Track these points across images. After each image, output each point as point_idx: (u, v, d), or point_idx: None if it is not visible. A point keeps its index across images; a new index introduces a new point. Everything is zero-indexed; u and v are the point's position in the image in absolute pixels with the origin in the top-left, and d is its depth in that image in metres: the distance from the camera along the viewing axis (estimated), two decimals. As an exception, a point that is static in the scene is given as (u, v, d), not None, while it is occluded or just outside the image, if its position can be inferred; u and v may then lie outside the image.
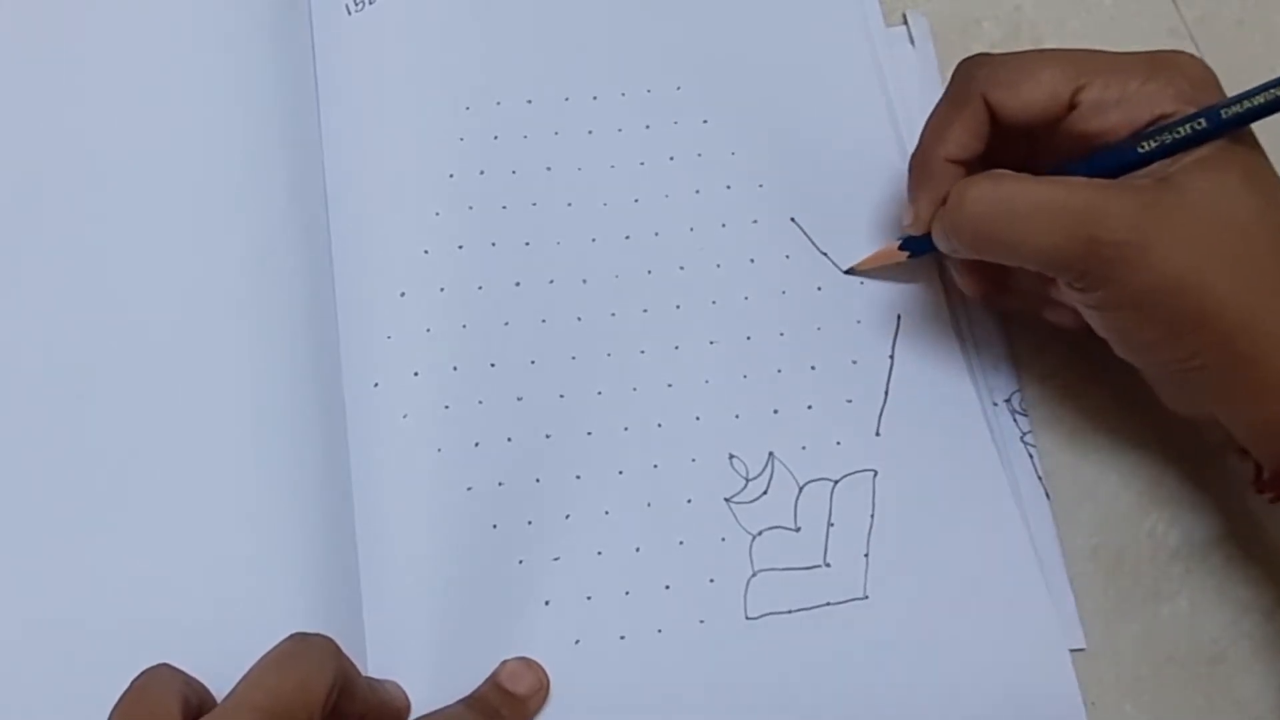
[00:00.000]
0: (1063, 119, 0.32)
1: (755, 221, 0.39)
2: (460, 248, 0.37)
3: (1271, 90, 0.30)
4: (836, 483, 0.36)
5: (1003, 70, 0.32)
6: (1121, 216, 0.30)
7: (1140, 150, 0.31)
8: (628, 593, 0.34)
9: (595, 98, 0.40)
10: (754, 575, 0.35)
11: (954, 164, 0.33)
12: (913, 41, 0.42)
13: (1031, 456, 0.37)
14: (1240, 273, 0.30)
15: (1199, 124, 0.30)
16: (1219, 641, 0.35)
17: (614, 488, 0.35)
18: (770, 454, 0.36)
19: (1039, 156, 0.33)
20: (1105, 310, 0.32)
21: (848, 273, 0.38)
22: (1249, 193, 0.30)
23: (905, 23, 0.42)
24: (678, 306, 0.37)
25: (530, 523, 0.35)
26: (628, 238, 0.38)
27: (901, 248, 0.36)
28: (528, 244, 0.37)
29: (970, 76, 0.33)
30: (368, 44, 0.40)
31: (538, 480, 0.35)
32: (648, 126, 0.40)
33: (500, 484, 0.35)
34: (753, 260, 0.38)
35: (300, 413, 0.35)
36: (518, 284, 0.37)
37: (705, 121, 0.40)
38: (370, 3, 0.40)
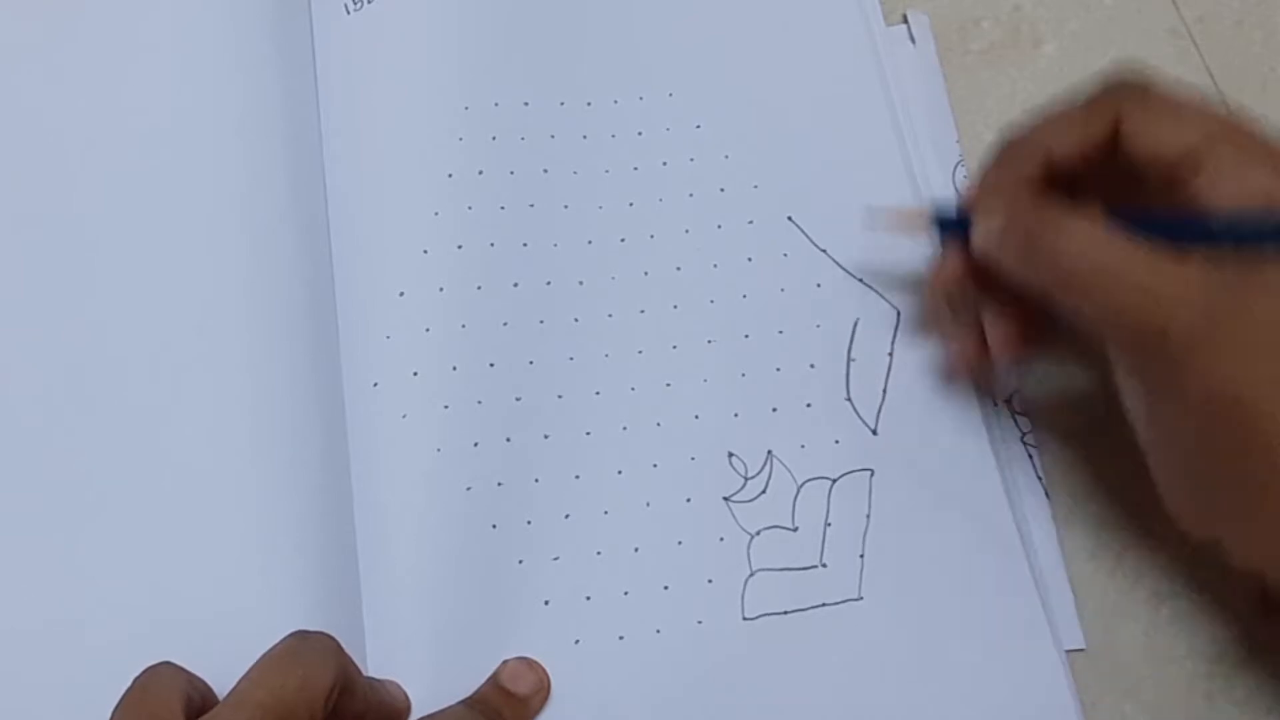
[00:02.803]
0: (1176, 173, 0.29)
1: (751, 222, 0.39)
2: (459, 248, 0.37)
3: None
4: (834, 481, 0.36)
5: (1154, 99, 0.30)
6: (1198, 307, 0.27)
7: (1213, 226, 0.28)
8: (627, 593, 0.34)
9: (589, 103, 0.40)
10: (752, 575, 0.35)
11: (1047, 165, 0.31)
12: (913, 41, 0.42)
13: (1031, 457, 0.37)
14: None
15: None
16: (1219, 641, 0.35)
17: (613, 487, 0.35)
18: (769, 452, 0.36)
19: (1121, 194, 0.31)
20: (1150, 398, 0.30)
21: (868, 211, 0.36)
22: None
23: (905, 22, 0.42)
24: (675, 306, 0.37)
25: (530, 523, 0.35)
26: (623, 240, 0.38)
27: (935, 219, 0.34)
28: (525, 245, 0.38)
29: (1117, 90, 0.31)
30: (367, 43, 0.40)
31: (537, 480, 0.35)
32: (640, 133, 0.40)
33: (499, 484, 0.35)
34: (750, 259, 0.38)
35: (300, 412, 0.35)
36: (516, 284, 0.37)
37: (698, 127, 0.40)
38: (369, 2, 0.40)
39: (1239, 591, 0.33)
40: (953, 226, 0.34)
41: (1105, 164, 0.31)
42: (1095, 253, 0.29)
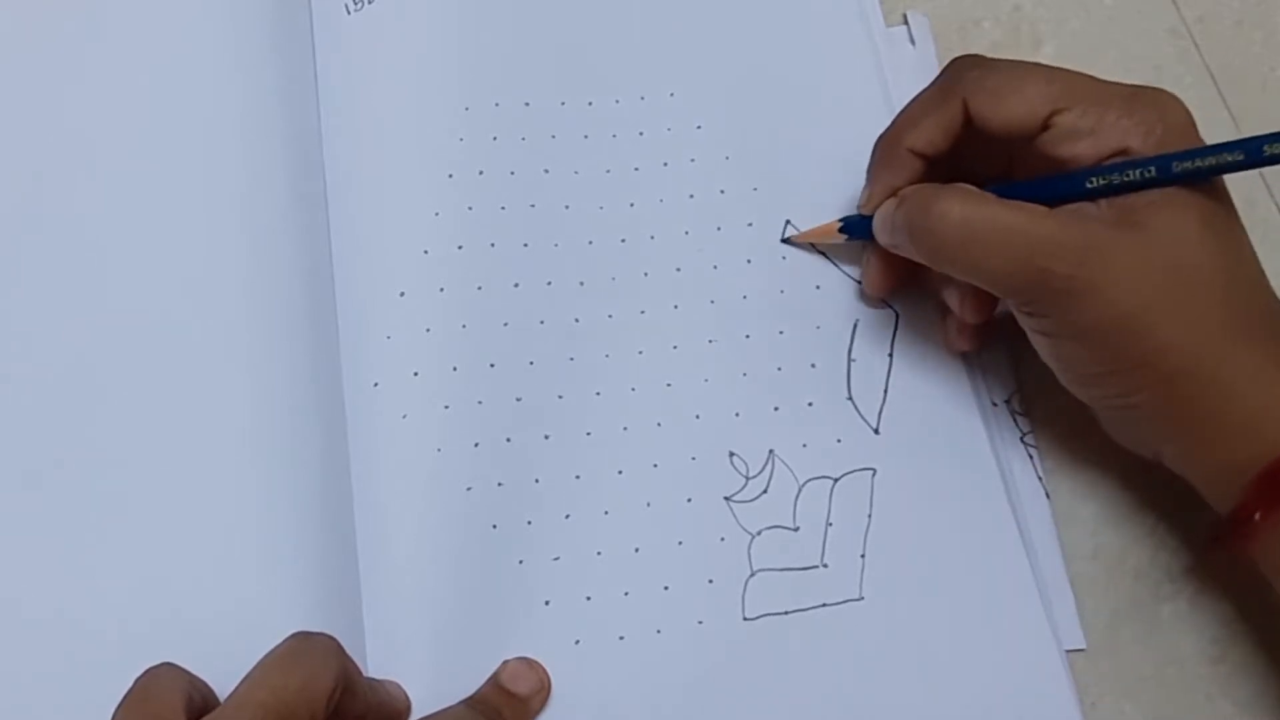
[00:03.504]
0: (1035, 137, 0.32)
1: (751, 224, 0.39)
2: (460, 248, 0.37)
3: (1223, 154, 0.30)
4: (836, 481, 0.36)
5: (989, 78, 0.32)
6: (1075, 251, 0.30)
7: (1088, 186, 0.31)
8: (627, 593, 0.34)
9: (590, 103, 0.40)
10: (752, 575, 0.35)
11: (918, 156, 0.34)
12: (913, 41, 0.42)
13: (1031, 457, 0.37)
14: (1187, 317, 0.30)
15: (1149, 171, 0.30)
16: (1219, 641, 0.35)
17: (614, 488, 0.35)
18: (770, 452, 0.36)
19: (1015, 173, 0.33)
20: (1050, 337, 0.32)
21: (784, 241, 0.38)
22: (1205, 237, 0.30)
23: (905, 23, 0.42)
24: (675, 307, 0.38)
25: (530, 523, 0.35)
26: (624, 241, 0.38)
27: (843, 229, 0.37)
28: (526, 245, 0.38)
29: (959, 77, 0.33)
30: (367, 44, 0.40)
31: (537, 480, 0.35)
32: (641, 133, 0.40)
33: (500, 484, 0.35)
34: (750, 260, 0.38)
35: (300, 413, 0.35)
36: (516, 285, 0.37)
37: (699, 127, 0.40)
38: (369, 2, 0.40)
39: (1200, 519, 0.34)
40: (861, 230, 0.36)
41: (972, 141, 0.33)
42: (967, 219, 0.31)
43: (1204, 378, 0.30)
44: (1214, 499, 0.32)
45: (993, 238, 0.31)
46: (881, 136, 0.35)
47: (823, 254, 0.39)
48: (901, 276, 0.36)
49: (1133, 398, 0.31)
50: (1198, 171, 0.30)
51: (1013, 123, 0.32)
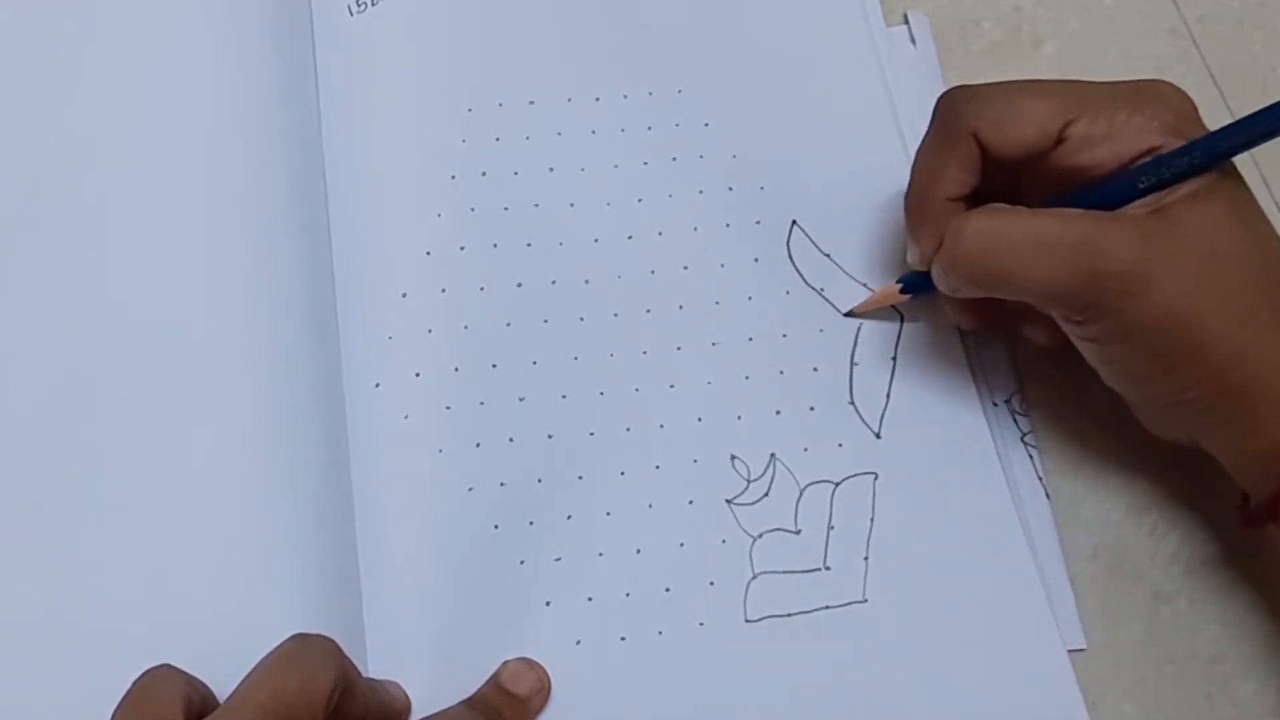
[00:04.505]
0: (1050, 153, 0.32)
1: (758, 222, 0.39)
2: (462, 249, 0.37)
3: (1270, 121, 0.30)
4: (838, 485, 0.36)
5: (990, 107, 0.32)
6: (1123, 248, 0.30)
7: (1140, 185, 0.31)
8: (628, 594, 0.34)
9: (597, 99, 0.40)
10: (754, 578, 0.35)
11: (951, 201, 0.33)
12: (914, 41, 0.42)
13: (1032, 457, 0.37)
14: (1230, 306, 0.30)
15: (1194, 158, 0.30)
16: (1219, 641, 0.35)
17: (615, 488, 0.35)
18: (772, 455, 0.36)
19: (1025, 187, 0.33)
20: (1101, 343, 0.32)
21: (847, 315, 0.38)
22: (1236, 225, 0.30)
23: (906, 22, 0.42)
24: (680, 307, 0.37)
25: (531, 523, 0.35)
26: (630, 238, 0.38)
27: (904, 289, 0.36)
28: (530, 245, 0.37)
29: (958, 113, 0.33)
30: (369, 45, 0.40)
31: (539, 481, 0.35)
32: (650, 128, 0.40)
33: (502, 484, 0.35)
34: (756, 259, 0.38)
35: (301, 413, 0.35)
36: (520, 285, 0.37)
37: (707, 124, 0.40)
38: (372, 4, 0.40)
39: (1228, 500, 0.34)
40: (921, 285, 0.35)
41: (1032, 165, 0.33)
42: (1001, 233, 0.31)
43: (1251, 366, 0.30)
44: (1250, 483, 0.32)
45: (1035, 248, 0.30)
46: (908, 194, 0.34)
47: (827, 255, 0.39)
48: (985, 313, 0.36)
49: (1184, 394, 0.31)
50: (1243, 145, 0.30)
51: (1026, 144, 0.32)
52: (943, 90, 0.41)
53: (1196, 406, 0.31)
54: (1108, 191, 0.31)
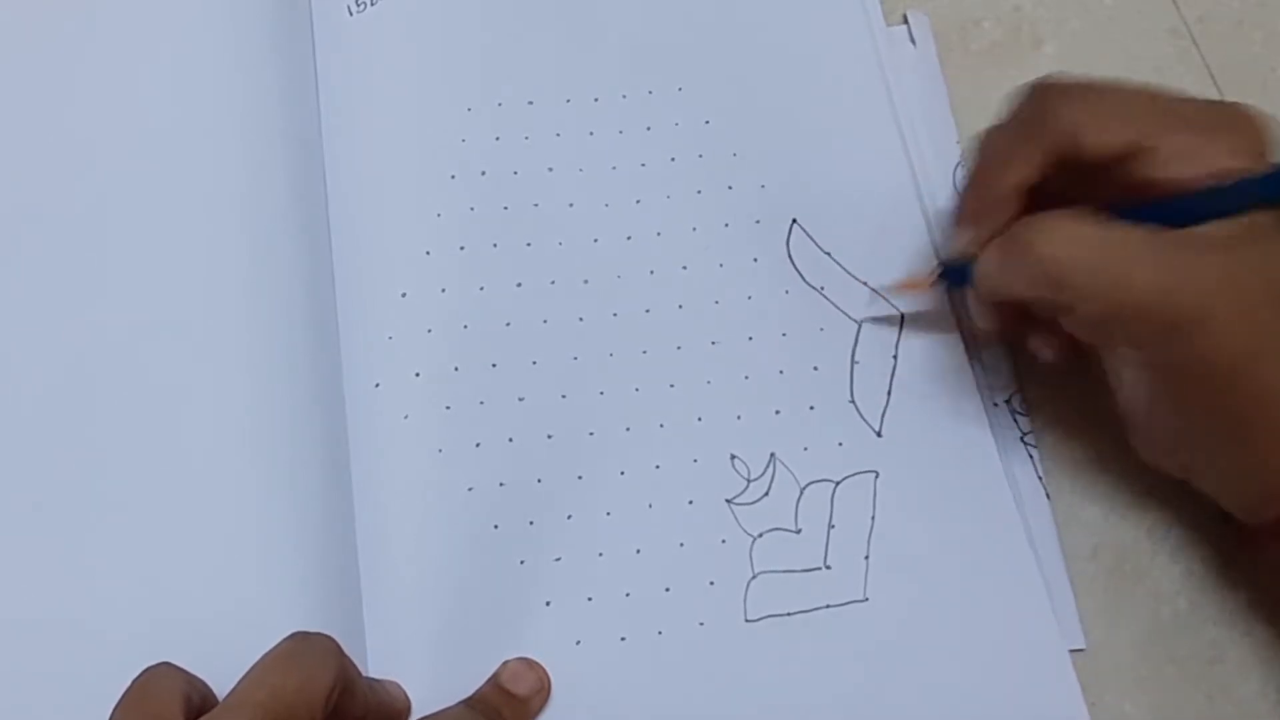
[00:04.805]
0: (1133, 161, 0.31)
1: (758, 221, 0.39)
2: (462, 248, 0.37)
3: None
4: (838, 484, 0.36)
5: (1087, 107, 0.31)
6: (1196, 282, 0.29)
7: (1217, 207, 0.30)
8: (628, 594, 0.34)
9: (596, 99, 0.40)
10: (754, 577, 0.35)
11: (1016, 194, 0.32)
12: (914, 41, 0.42)
13: (1032, 457, 0.37)
14: None
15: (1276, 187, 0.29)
16: (1219, 641, 0.35)
17: (615, 488, 0.35)
18: (772, 455, 0.36)
19: (1085, 186, 0.32)
20: (1154, 369, 0.31)
21: (873, 290, 0.37)
22: None
23: (906, 22, 0.42)
24: (680, 306, 0.37)
25: (531, 523, 0.35)
26: (629, 238, 0.38)
27: (941, 276, 0.35)
28: (529, 245, 0.37)
29: (1051, 106, 0.31)
30: (369, 45, 0.40)
31: (539, 481, 0.35)
32: (649, 128, 0.40)
33: (501, 484, 0.35)
34: (756, 259, 0.38)
35: (300, 413, 0.35)
36: (519, 284, 0.37)
37: (707, 123, 0.40)
38: (371, 4, 0.40)
39: (1223, 517, 0.33)
40: (961, 277, 0.34)
41: (1063, 167, 0.32)
42: (1091, 250, 0.30)
43: None
44: (1248, 516, 0.32)
45: (1121, 265, 0.29)
46: (973, 178, 0.33)
47: (827, 254, 0.39)
48: (1009, 319, 0.34)
49: (1209, 429, 0.31)
50: None
51: (1112, 150, 0.30)
52: (943, 91, 0.41)
53: (1212, 442, 0.31)
54: (1181, 208, 0.30)
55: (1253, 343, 0.29)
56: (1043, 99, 0.32)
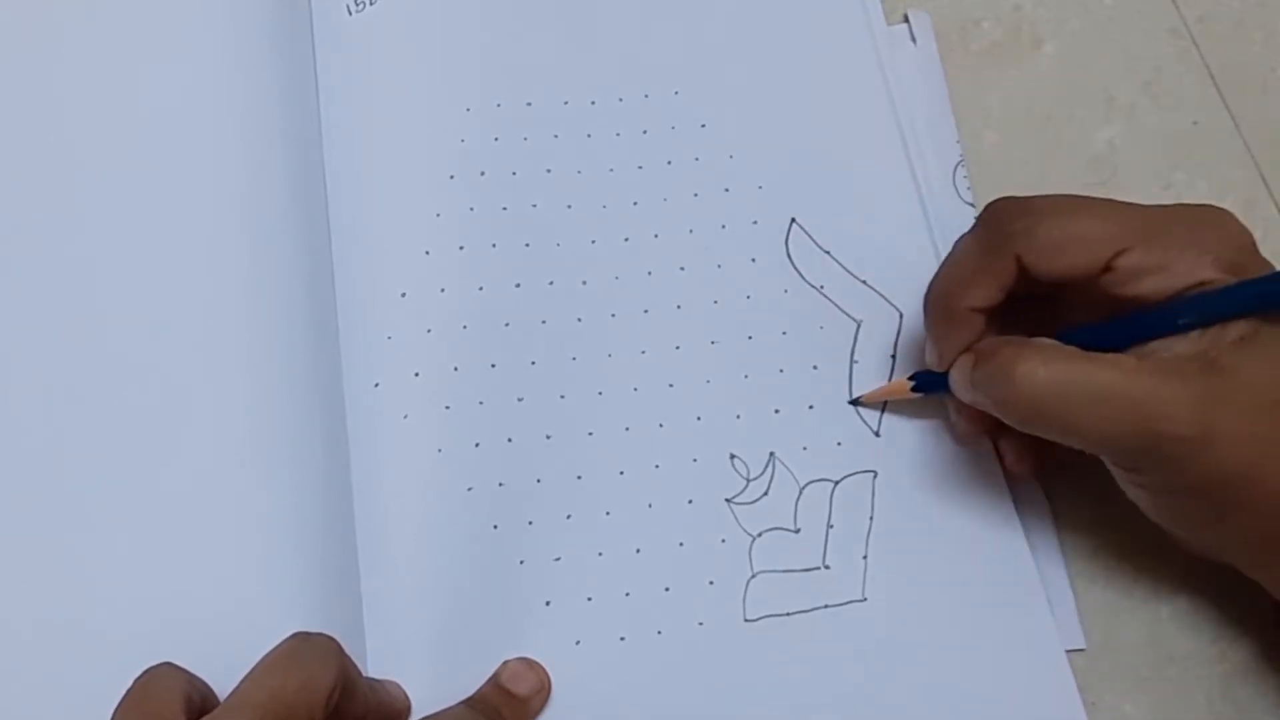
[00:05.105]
0: (1098, 279, 0.30)
1: (755, 222, 0.39)
2: (461, 248, 0.37)
3: None
4: (837, 484, 0.36)
5: (1041, 230, 0.31)
6: (1184, 408, 0.29)
7: (1180, 323, 0.29)
8: (628, 594, 0.34)
9: (593, 102, 0.40)
10: (753, 577, 0.35)
11: (977, 312, 0.32)
12: (914, 41, 0.42)
13: (1031, 456, 0.37)
14: None
15: (1243, 302, 0.29)
16: (1219, 641, 0.35)
17: (615, 488, 0.35)
18: (771, 454, 0.36)
19: (1063, 300, 0.32)
20: (1151, 491, 0.31)
21: (852, 403, 0.37)
22: None
23: (906, 22, 0.42)
24: (678, 307, 0.37)
25: (531, 523, 0.35)
26: (627, 239, 0.38)
27: (915, 388, 0.35)
28: (528, 245, 0.37)
29: (1005, 232, 0.31)
30: (368, 45, 0.40)
31: (538, 481, 0.35)
32: (645, 131, 0.40)
33: (501, 484, 0.35)
34: (754, 259, 0.38)
35: (300, 413, 0.35)
36: (518, 285, 0.37)
37: (703, 126, 0.40)
38: (371, 3, 0.40)
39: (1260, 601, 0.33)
40: (935, 385, 0.34)
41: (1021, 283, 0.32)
42: (1057, 382, 0.30)
43: None
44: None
45: (1089, 400, 0.29)
46: (933, 295, 0.33)
47: (827, 253, 0.39)
48: (993, 423, 0.33)
49: (1231, 537, 0.31)
50: None
51: (1073, 272, 0.30)
52: (943, 91, 0.41)
53: (1250, 552, 0.31)
54: (1145, 324, 0.30)
55: (1252, 451, 0.29)
56: (995, 221, 0.32)
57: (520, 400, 0.36)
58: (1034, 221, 0.31)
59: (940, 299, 0.33)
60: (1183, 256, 0.30)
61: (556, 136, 0.39)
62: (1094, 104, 0.42)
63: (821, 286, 0.38)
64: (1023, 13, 0.43)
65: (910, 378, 0.36)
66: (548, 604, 0.34)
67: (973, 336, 0.33)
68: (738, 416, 0.36)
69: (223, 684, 0.29)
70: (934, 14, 0.42)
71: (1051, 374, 0.30)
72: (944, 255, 0.34)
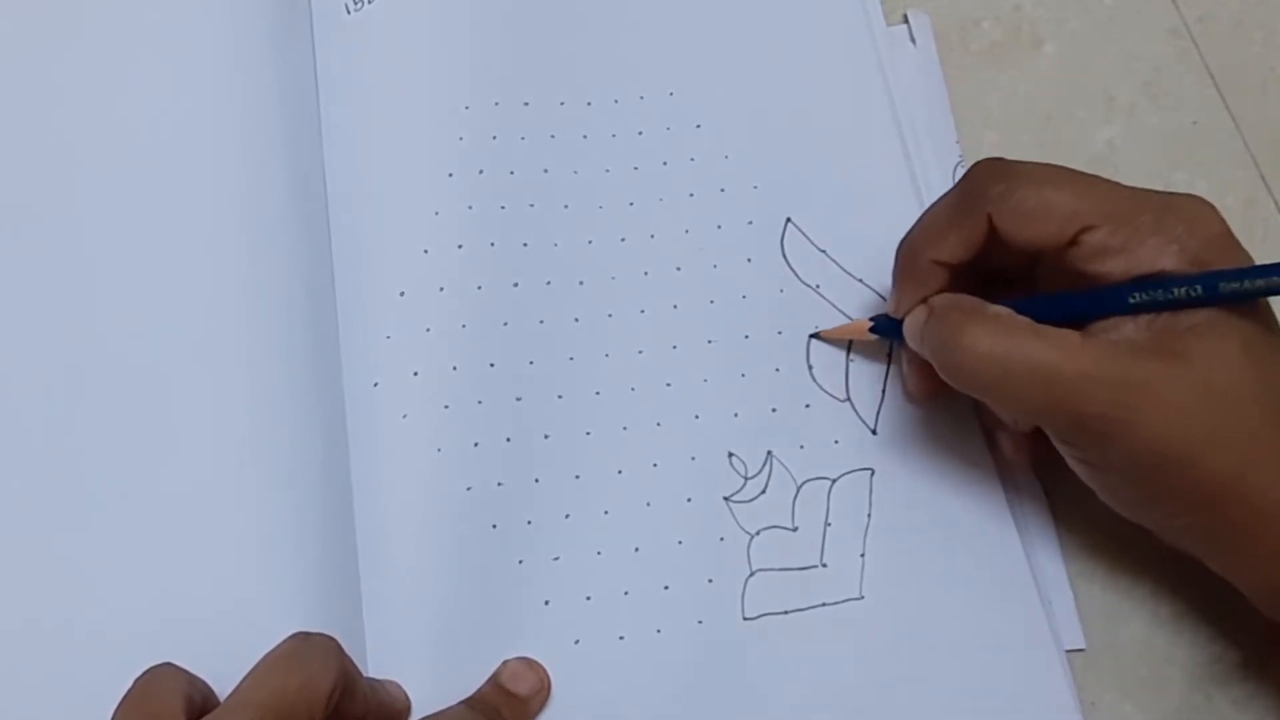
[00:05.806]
0: (1063, 251, 0.31)
1: (751, 222, 0.39)
2: (459, 247, 0.37)
3: (1274, 276, 0.29)
4: (834, 482, 0.36)
5: (1014, 194, 0.31)
6: (1109, 389, 0.29)
7: (1130, 301, 0.30)
8: (627, 593, 0.34)
9: (589, 103, 0.40)
10: (751, 575, 0.35)
11: (941, 266, 0.33)
12: (914, 41, 0.42)
13: (1030, 455, 0.37)
14: (1232, 445, 0.29)
15: (1195, 290, 0.29)
16: (1219, 641, 0.35)
17: (613, 487, 0.35)
18: (769, 453, 0.36)
19: (1037, 270, 0.33)
20: (1088, 466, 0.31)
21: (812, 337, 0.37)
22: (1247, 363, 0.29)
23: (906, 22, 0.42)
24: (675, 306, 0.38)
25: (530, 523, 0.35)
26: (623, 240, 0.38)
27: (873, 329, 0.36)
28: (526, 245, 0.38)
29: (982, 193, 0.32)
30: (367, 43, 0.40)
31: (537, 480, 0.35)
32: (641, 132, 0.40)
33: (500, 484, 0.35)
34: (750, 259, 0.38)
35: (300, 412, 0.35)
36: (516, 284, 0.37)
37: (698, 126, 0.40)
38: (369, 2, 0.40)
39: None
40: (892, 330, 0.35)
41: (996, 246, 0.32)
42: (996, 354, 0.30)
43: (1251, 503, 0.29)
44: (1263, 607, 0.32)
45: (1024, 375, 0.30)
46: (904, 244, 0.34)
47: (823, 252, 0.39)
48: (942, 386, 0.33)
49: (1176, 521, 0.31)
50: (1245, 293, 0.29)
51: (1039, 241, 0.31)
52: (943, 91, 0.41)
53: (1192, 534, 0.31)
54: (1097, 300, 0.31)
55: (1184, 433, 0.29)
56: (974, 180, 0.32)
57: (519, 400, 0.36)
58: (1011, 186, 0.31)
59: (908, 247, 0.34)
60: (1146, 242, 0.30)
61: (553, 137, 0.39)
62: (1094, 104, 0.42)
63: (817, 286, 0.38)
64: (1023, 13, 0.43)
65: (871, 319, 0.36)
66: (547, 603, 0.34)
67: (932, 289, 0.33)
68: (735, 415, 0.36)
69: (223, 684, 0.29)
70: (934, 14, 0.42)
71: (993, 347, 0.30)
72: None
